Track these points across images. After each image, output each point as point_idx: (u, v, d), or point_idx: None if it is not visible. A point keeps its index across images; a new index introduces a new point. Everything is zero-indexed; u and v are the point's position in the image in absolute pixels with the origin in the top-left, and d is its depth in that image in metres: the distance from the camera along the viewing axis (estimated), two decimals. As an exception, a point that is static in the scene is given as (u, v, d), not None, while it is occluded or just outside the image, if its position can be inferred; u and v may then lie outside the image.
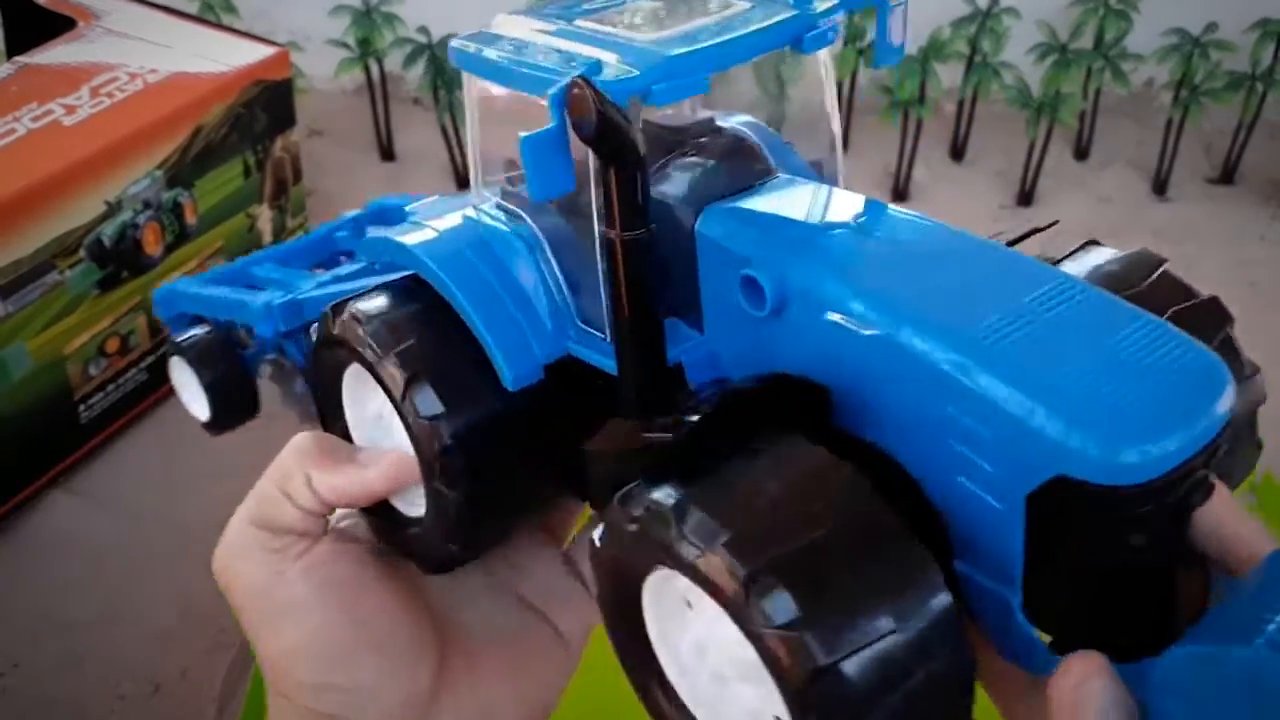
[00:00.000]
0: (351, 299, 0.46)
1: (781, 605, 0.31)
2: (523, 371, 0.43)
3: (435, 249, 0.45)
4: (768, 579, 0.31)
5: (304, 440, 0.46)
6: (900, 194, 1.13)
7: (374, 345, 0.43)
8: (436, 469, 0.43)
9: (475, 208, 0.46)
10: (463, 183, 1.15)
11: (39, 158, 0.78)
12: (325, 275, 0.69)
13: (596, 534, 0.37)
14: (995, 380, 0.33)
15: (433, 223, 0.46)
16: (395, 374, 0.43)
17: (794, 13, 0.41)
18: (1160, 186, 1.14)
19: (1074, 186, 1.15)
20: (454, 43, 0.43)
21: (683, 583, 0.34)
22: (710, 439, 0.35)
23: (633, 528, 0.34)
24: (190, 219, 0.88)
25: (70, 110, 0.81)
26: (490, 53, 0.41)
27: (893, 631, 0.31)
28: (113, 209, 0.82)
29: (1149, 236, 1.07)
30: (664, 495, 0.34)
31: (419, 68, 1.11)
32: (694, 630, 0.36)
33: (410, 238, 0.46)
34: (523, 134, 0.36)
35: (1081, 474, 0.32)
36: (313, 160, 1.10)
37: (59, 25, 0.91)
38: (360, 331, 0.44)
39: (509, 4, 1.25)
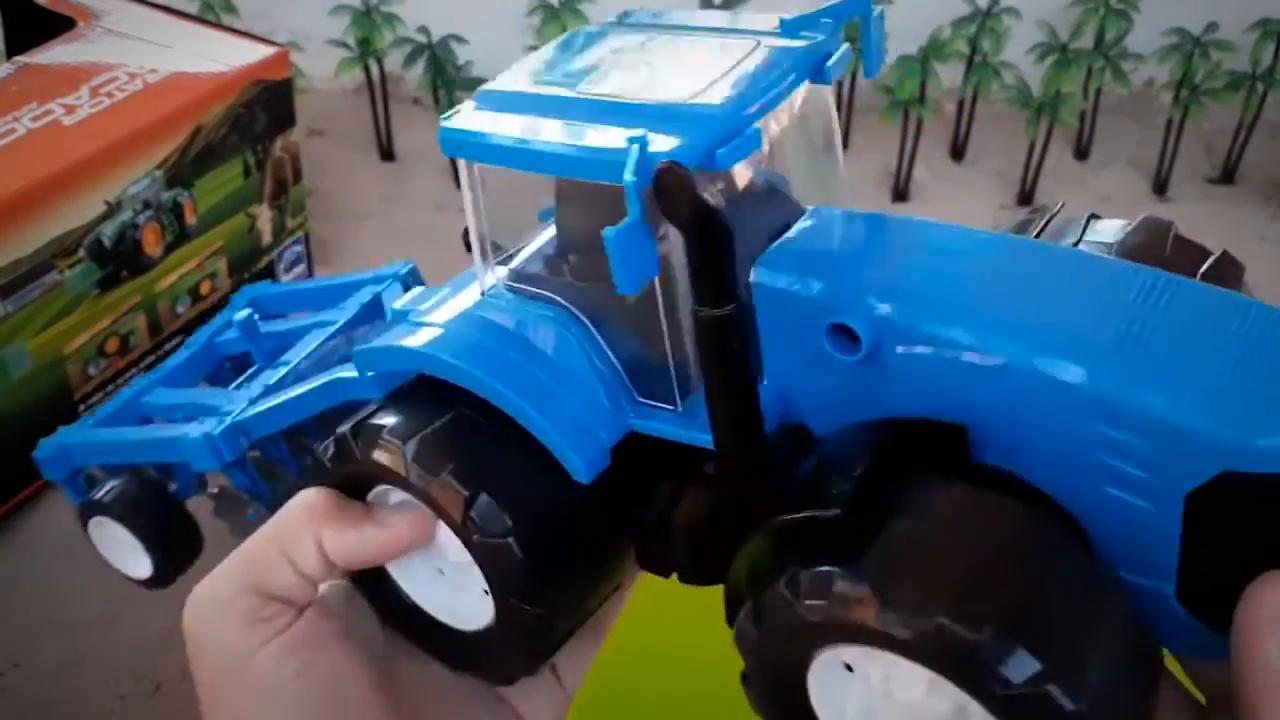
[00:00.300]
0: (367, 416, 0.43)
1: (1022, 664, 0.30)
2: (592, 459, 0.41)
3: (460, 348, 0.42)
4: (1001, 641, 0.31)
5: (315, 497, 0.43)
6: (900, 194, 1.13)
7: (420, 467, 0.41)
8: (511, 584, 0.41)
9: (484, 293, 0.44)
10: (463, 183, 1.15)
11: (39, 157, 0.78)
12: (253, 388, 0.64)
13: (746, 619, 0.36)
14: (1143, 389, 0.33)
15: (436, 318, 0.44)
16: (451, 495, 0.40)
17: (805, 43, 0.40)
18: (1160, 186, 1.14)
19: (1074, 186, 1.15)
20: (448, 129, 0.40)
21: (849, 651, 0.34)
22: (865, 504, 0.34)
23: (814, 616, 0.33)
24: (190, 219, 0.88)
25: (70, 110, 0.81)
26: (504, 136, 0.39)
27: (1114, 663, 0.32)
28: (112, 209, 0.82)
29: (1149, 236, 1.07)
30: (851, 575, 0.33)
31: (419, 67, 1.11)
32: (858, 693, 0.35)
33: (421, 339, 0.43)
34: (607, 230, 0.34)
35: (1245, 467, 0.32)
36: (313, 160, 1.10)
37: (59, 25, 0.91)
38: (399, 454, 0.41)
39: (507, 4, 1.24)
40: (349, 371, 0.58)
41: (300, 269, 1.01)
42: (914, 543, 0.33)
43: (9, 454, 0.80)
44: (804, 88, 0.41)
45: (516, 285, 0.43)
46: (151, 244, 0.85)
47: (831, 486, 0.35)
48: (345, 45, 1.13)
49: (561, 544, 0.42)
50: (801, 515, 0.35)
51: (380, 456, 0.41)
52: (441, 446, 0.41)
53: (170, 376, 0.72)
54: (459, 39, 1.11)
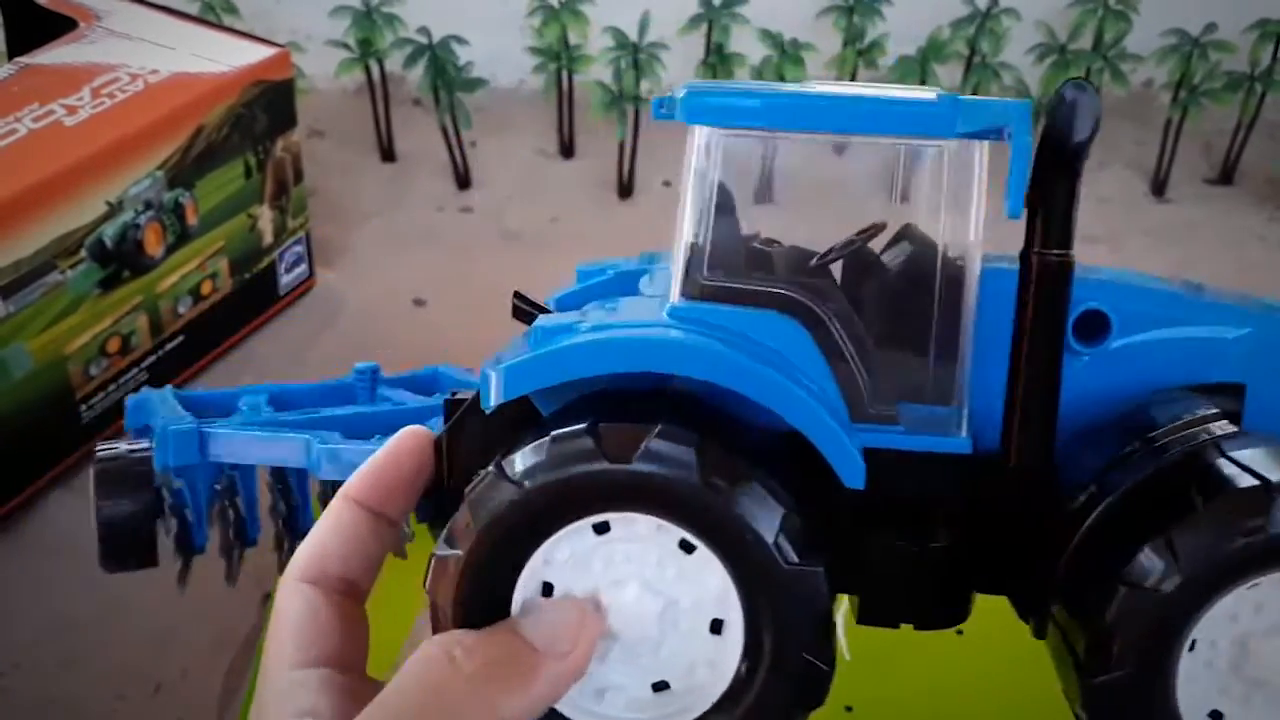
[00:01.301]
0: (599, 419, 0.36)
1: None
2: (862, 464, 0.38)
3: (716, 344, 0.38)
4: None
5: (465, 648, 0.35)
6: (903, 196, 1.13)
7: (721, 479, 0.35)
8: (812, 624, 0.36)
9: (679, 299, 0.40)
10: (463, 183, 1.16)
11: (40, 158, 0.78)
12: (257, 414, 0.61)
13: (1134, 586, 0.36)
14: None
15: (642, 319, 0.40)
16: (765, 512, 0.35)
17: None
18: (1159, 187, 1.14)
19: (1073, 187, 1.15)
20: (697, 95, 0.39)
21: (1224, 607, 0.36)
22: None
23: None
24: (191, 219, 0.88)
25: (71, 111, 0.82)
26: (786, 95, 0.39)
27: None
28: (114, 209, 0.82)
29: (1147, 237, 1.07)
30: None
31: (419, 68, 1.11)
32: (1201, 675, 0.37)
33: (661, 335, 0.39)
34: (1014, 140, 0.36)
35: None
36: (314, 161, 1.10)
37: (60, 26, 0.91)
38: (686, 461, 0.35)
39: (508, 5, 1.24)
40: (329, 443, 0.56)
41: (301, 269, 1.01)
42: None
43: (10, 454, 0.80)
44: None
45: (721, 286, 0.40)
46: (153, 244, 0.86)
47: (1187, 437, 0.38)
48: (346, 46, 1.13)
49: (838, 579, 0.38)
50: (1199, 445, 0.37)
51: (654, 464, 0.35)
52: (735, 453, 0.36)
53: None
54: (460, 40, 1.11)
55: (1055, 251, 0.37)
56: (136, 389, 0.87)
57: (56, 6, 0.94)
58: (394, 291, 1.03)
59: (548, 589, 0.38)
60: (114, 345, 0.85)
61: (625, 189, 1.14)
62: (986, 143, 0.39)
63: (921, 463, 0.39)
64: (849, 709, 0.68)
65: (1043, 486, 0.39)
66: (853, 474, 0.37)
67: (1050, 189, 0.36)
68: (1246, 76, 1.10)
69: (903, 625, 0.41)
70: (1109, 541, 0.37)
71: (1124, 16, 1.10)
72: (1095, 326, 0.40)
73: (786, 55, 1.09)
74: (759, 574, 0.36)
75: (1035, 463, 0.39)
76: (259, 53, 0.91)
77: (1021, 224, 0.41)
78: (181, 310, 0.90)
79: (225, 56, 0.90)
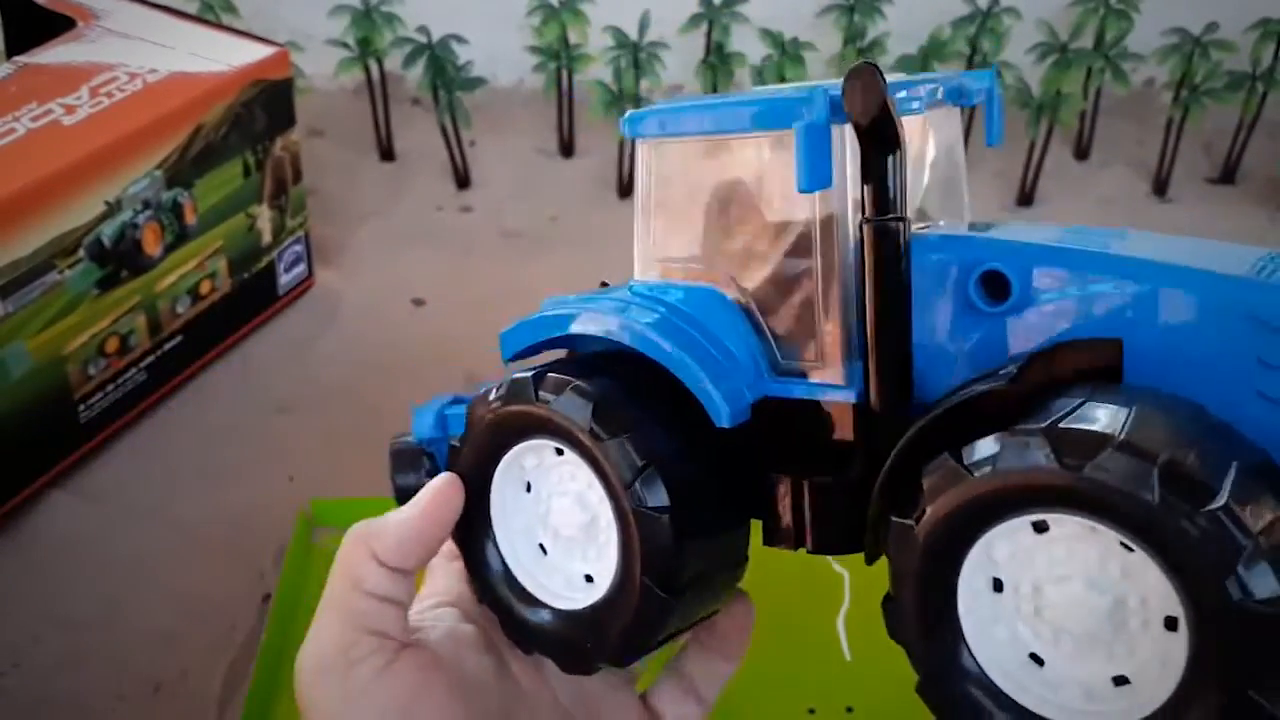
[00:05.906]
0: (548, 368, 0.46)
1: (1198, 492, 0.33)
2: (736, 409, 0.44)
3: (607, 311, 0.47)
4: (1179, 464, 0.33)
5: (357, 526, 0.46)
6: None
7: (600, 427, 0.43)
8: (653, 561, 0.43)
9: (636, 278, 0.50)
10: (462, 182, 1.16)
11: (38, 157, 0.78)
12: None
13: (905, 521, 0.38)
14: None
15: (588, 300, 0.49)
16: (624, 462, 0.43)
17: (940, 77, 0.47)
18: (1160, 187, 1.14)
19: (1074, 186, 1.15)
20: (634, 114, 0.47)
21: (1006, 544, 0.37)
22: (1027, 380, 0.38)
23: (991, 483, 0.35)
24: (190, 219, 0.88)
25: (70, 110, 0.81)
26: (689, 106, 0.46)
27: (1268, 499, 0.34)
28: (112, 209, 0.82)
29: (1149, 236, 1.07)
30: (1025, 433, 0.35)
31: (419, 68, 1.11)
32: (1007, 613, 0.38)
33: (568, 310, 0.48)
34: (797, 123, 0.40)
35: None
36: (313, 160, 1.10)
37: (58, 25, 0.91)
38: (582, 409, 0.44)
39: (508, 4, 1.23)
40: None
41: (300, 269, 1.01)
42: (1081, 404, 0.36)
43: (9, 454, 0.80)
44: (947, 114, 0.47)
45: (671, 268, 0.48)
46: (151, 244, 0.85)
47: (989, 377, 0.39)
48: (345, 45, 1.12)
49: (709, 535, 0.45)
50: (960, 397, 0.38)
51: (561, 407, 0.44)
52: (622, 411, 0.44)
53: None
54: (459, 39, 1.11)
55: (878, 219, 0.40)
56: (134, 389, 0.88)
57: (55, 5, 0.94)
58: (393, 291, 1.03)
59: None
60: (112, 345, 0.85)
61: (625, 188, 1.14)
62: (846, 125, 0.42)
63: (820, 409, 0.45)
64: (850, 709, 0.67)
65: (902, 428, 0.41)
66: (719, 414, 0.44)
67: (865, 158, 0.40)
68: (1248, 76, 1.09)
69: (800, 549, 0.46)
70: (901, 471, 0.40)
71: (1125, 15, 1.09)
72: (998, 286, 0.41)
73: (787, 54, 1.09)
74: (619, 507, 0.44)
75: (894, 408, 0.42)
76: (258, 52, 0.91)
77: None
78: (180, 310, 0.90)
79: (224, 56, 0.90)
